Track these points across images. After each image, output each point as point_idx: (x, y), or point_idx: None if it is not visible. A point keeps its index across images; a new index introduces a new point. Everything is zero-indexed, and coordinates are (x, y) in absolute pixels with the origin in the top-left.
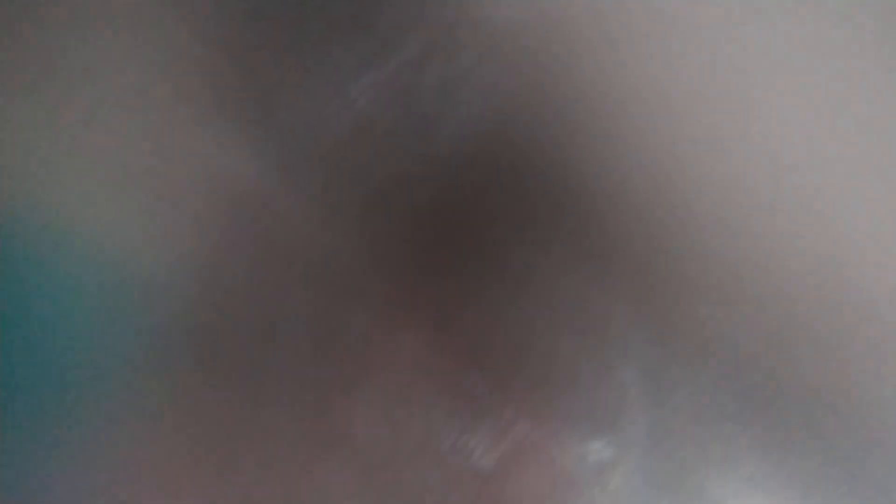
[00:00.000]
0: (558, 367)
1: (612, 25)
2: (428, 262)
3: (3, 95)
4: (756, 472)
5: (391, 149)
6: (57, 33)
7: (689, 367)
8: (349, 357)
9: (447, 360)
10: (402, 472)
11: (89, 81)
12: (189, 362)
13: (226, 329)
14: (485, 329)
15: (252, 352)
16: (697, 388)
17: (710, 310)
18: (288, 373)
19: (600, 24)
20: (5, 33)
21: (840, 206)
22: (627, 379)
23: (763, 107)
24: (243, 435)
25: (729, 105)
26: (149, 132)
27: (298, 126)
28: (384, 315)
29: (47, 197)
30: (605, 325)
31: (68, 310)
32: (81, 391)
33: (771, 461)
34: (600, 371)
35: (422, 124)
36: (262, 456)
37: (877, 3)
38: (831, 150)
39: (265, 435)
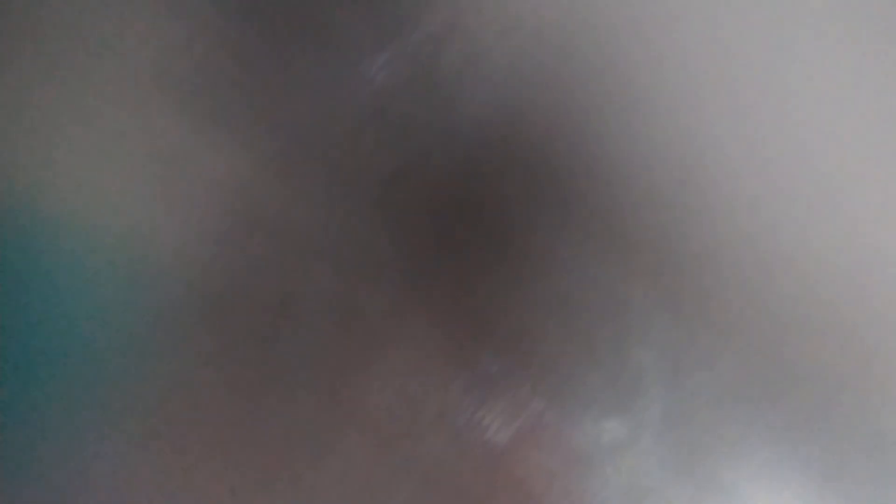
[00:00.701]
0: (575, 346)
1: (635, 3)
2: (445, 241)
3: (4, 93)
4: (772, 457)
5: (410, 127)
6: (55, 33)
7: (708, 349)
8: (366, 334)
9: (463, 338)
10: (418, 447)
11: (104, 63)
12: (207, 340)
13: (244, 305)
14: (502, 307)
15: (269, 329)
16: (715, 372)
17: (730, 294)
18: (305, 349)
19: (623, 3)
20: (5, 36)
21: (865, 195)
22: (644, 360)
23: (786, 96)
24: (261, 411)
25: (757, 92)
26: (169, 111)
27: (318, 104)
28: (401, 293)
29: (56, 182)
30: (624, 306)
31: (81, 294)
32: (98, 373)
33: (787, 446)
34: (617, 351)
35: (441, 103)
36: (280, 431)
37: (878, 3)
38: (855, 142)
39: (283, 411)
